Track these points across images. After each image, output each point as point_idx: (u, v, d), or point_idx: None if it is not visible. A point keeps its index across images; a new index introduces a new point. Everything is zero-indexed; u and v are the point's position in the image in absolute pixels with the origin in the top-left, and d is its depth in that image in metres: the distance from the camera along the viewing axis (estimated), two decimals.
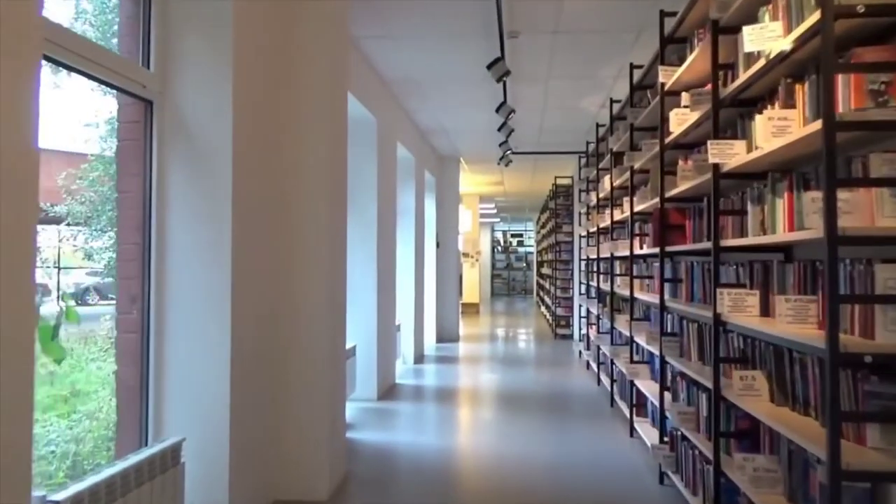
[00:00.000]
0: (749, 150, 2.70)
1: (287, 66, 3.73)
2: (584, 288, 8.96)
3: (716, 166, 2.87)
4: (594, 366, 7.41)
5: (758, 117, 2.63)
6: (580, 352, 8.91)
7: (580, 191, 9.02)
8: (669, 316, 4.01)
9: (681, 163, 3.69)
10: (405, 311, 8.31)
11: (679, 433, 3.59)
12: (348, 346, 5.68)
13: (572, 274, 11.23)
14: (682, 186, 3.48)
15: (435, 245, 10.40)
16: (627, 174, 5.23)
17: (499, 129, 7.04)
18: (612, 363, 5.93)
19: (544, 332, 12.36)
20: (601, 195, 6.74)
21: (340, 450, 4.01)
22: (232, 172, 3.08)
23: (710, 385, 2.96)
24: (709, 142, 2.79)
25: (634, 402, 4.94)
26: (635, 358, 4.96)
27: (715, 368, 2.87)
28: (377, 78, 6.19)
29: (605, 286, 6.54)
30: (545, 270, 15.66)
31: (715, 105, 2.95)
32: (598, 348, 6.92)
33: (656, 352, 4.10)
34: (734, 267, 3.02)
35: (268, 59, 3.56)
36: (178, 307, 3.04)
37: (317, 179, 3.76)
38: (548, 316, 13.93)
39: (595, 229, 7.29)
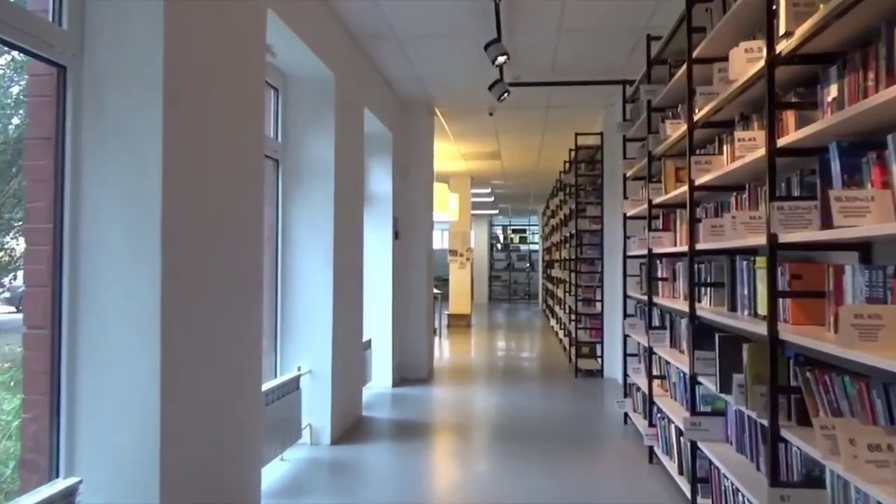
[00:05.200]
0: None
1: None
2: (633, 306, 5.25)
3: None
4: (673, 470, 3.70)
5: None
6: (626, 416, 5.19)
7: (625, 139, 5.34)
8: None
9: None
10: (316, 350, 4.60)
11: None
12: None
13: (601, 279, 7.51)
14: None
15: (392, 236, 6.71)
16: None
17: None
18: None
19: (558, 363, 8.62)
20: (696, 120, 3.06)
21: None
22: None
23: None
24: None
25: None
26: None
27: None
28: None
29: (709, 312, 2.84)
30: (556, 273, 11.93)
31: None
32: (695, 449, 3.22)
33: None
34: None
35: None
36: None
37: None
38: (561, 335, 10.21)
39: (670, 196, 3.62)
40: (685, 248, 3.50)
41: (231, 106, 3.01)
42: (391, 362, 6.68)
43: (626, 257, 5.30)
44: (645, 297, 4.50)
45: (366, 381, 6.22)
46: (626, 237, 5.27)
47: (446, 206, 9.38)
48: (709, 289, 3.34)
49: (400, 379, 6.96)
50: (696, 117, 3.20)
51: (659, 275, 4.30)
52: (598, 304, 7.58)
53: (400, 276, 6.97)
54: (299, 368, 4.43)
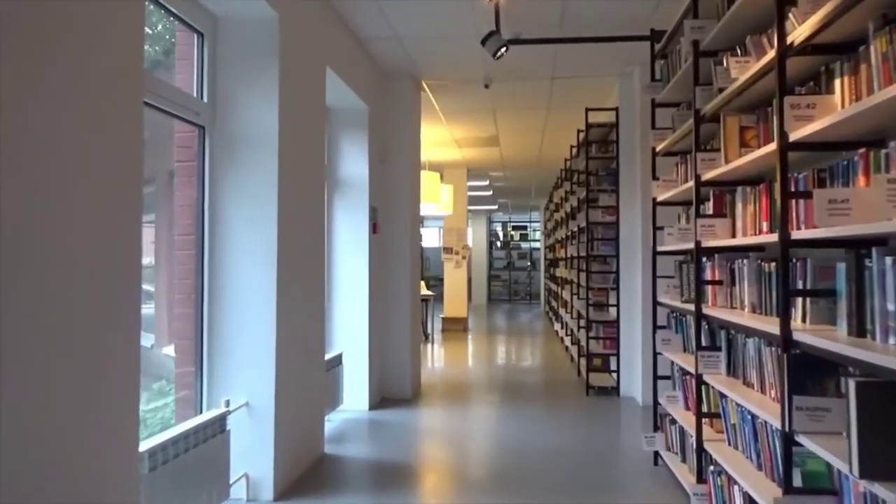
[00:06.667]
0: None
1: None
2: (665, 316, 4.15)
3: None
4: None
5: None
6: (656, 455, 4.09)
7: (654, 104, 4.25)
8: None
9: None
10: (255, 376, 3.50)
11: None
12: None
13: (616, 280, 6.41)
14: None
15: (369, 228, 5.60)
16: None
17: None
18: None
19: (565, 377, 7.51)
20: (792, 42, 1.96)
21: None
22: None
23: None
24: None
25: None
26: None
27: None
28: None
29: (811, 334, 1.73)
30: (561, 272, 10.83)
31: None
32: None
33: None
34: None
35: None
36: None
37: None
38: (567, 343, 9.10)
39: (732, 167, 2.52)
40: (764, 239, 2.40)
41: (77, 28, 1.91)
42: (368, 380, 5.58)
43: (655, 254, 4.20)
44: (687, 307, 3.39)
45: (334, 406, 5.14)
46: (655, 228, 4.17)
47: (437, 197, 8.28)
48: (800, 299, 2.25)
49: (380, 399, 5.87)
50: (791, 38, 2.10)
51: (708, 276, 3.20)
52: (613, 310, 6.48)
53: (379, 277, 5.87)
54: (227, 403, 3.32)
